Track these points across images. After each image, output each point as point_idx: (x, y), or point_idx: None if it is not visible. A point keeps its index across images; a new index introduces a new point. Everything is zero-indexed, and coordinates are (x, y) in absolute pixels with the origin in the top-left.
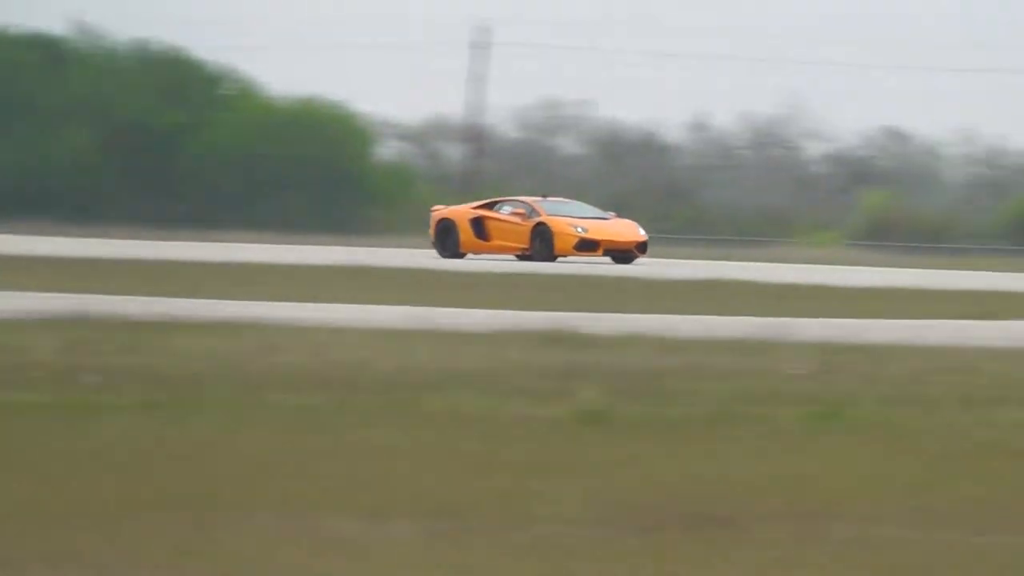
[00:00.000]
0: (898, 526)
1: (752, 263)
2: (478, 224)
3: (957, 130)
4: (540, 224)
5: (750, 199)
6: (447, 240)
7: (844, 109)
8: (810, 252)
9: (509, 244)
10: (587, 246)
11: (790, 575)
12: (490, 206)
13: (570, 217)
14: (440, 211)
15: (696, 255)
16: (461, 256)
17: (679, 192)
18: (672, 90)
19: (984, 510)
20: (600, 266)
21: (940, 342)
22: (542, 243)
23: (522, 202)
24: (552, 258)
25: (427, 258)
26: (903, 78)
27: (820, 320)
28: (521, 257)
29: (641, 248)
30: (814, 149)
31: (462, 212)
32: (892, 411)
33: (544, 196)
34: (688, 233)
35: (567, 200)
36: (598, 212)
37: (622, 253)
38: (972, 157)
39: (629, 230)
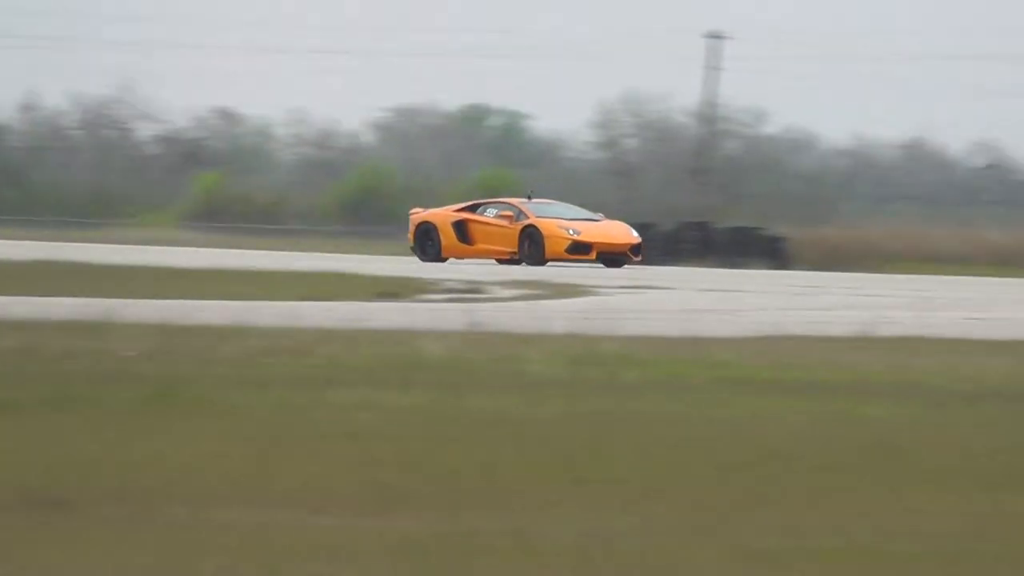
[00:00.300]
0: (231, 507)
1: (85, 244)
2: (461, 227)
3: (289, 111)
4: (529, 227)
5: (83, 181)
6: (427, 244)
7: (178, 90)
8: (144, 233)
9: (495, 248)
10: (580, 249)
11: (120, 554)
12: (472, 208)
13: (560, 219)
14: (419, 214)
15: (26, 237)
16: (443, 260)
17: (8, 173)
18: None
19: (318, 490)
20: None
21: (274, 323)
22: (532, 246)
23: (509, 204)
24: (543, 262)
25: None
26: (238, 60)
27: (154, 301)
28: (508, 261)
29: (635, 251)
30: (147, 130)
31: (443, 215)
32: (227, 392)
33: (529, 197)
34: (17, 215)
35: (552, 201)
36: (587, 213)
37: (615, 256)
38: (303, 138)
39: (622, 232)
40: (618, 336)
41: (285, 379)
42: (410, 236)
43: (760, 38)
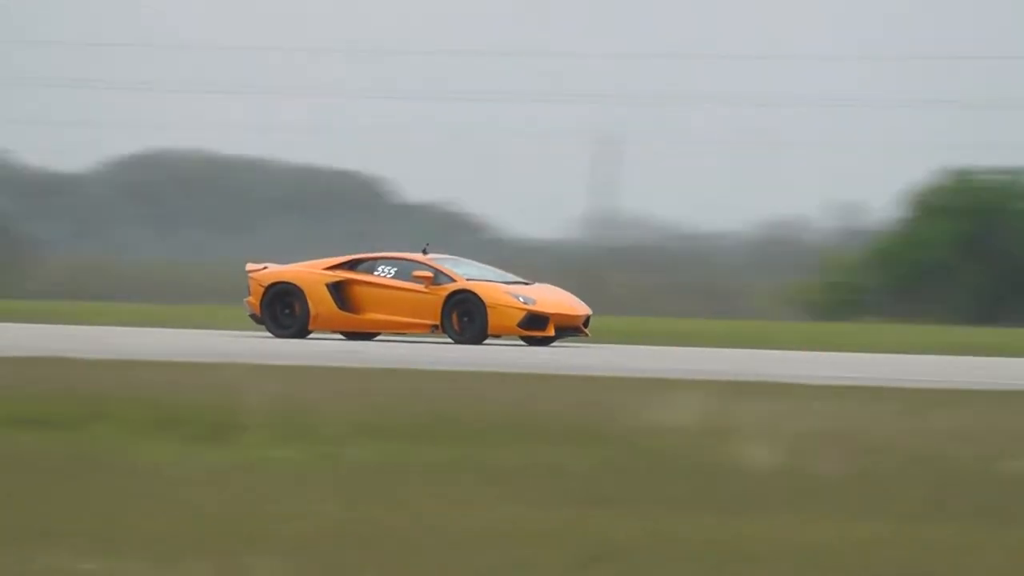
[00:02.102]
0: None
1: None
2: (340, 291)
3: None
4: (460, 293)
5: None
6: (282, 313)
7: None
8: None
9: (402, 319)
10: (535, 323)
11: None
12: (351, 266)
13: (499, 283)
14: (264, 272)
15: None
16: (305, 335)
17: None
18: None
19: None
20: None
21: None
22: (467, 318)
23: (416, 262)
24: (482, 338)
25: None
26: None
27: None
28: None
29: (586, 323)
30: None
31: (308, 274)
32: None
33: (424, 251)
34: None
35: (454, 257)
36: (507, 274)
37: (570, 330)
38: None
39: (570, 300)
40: None
41: None
42: (253, 302)
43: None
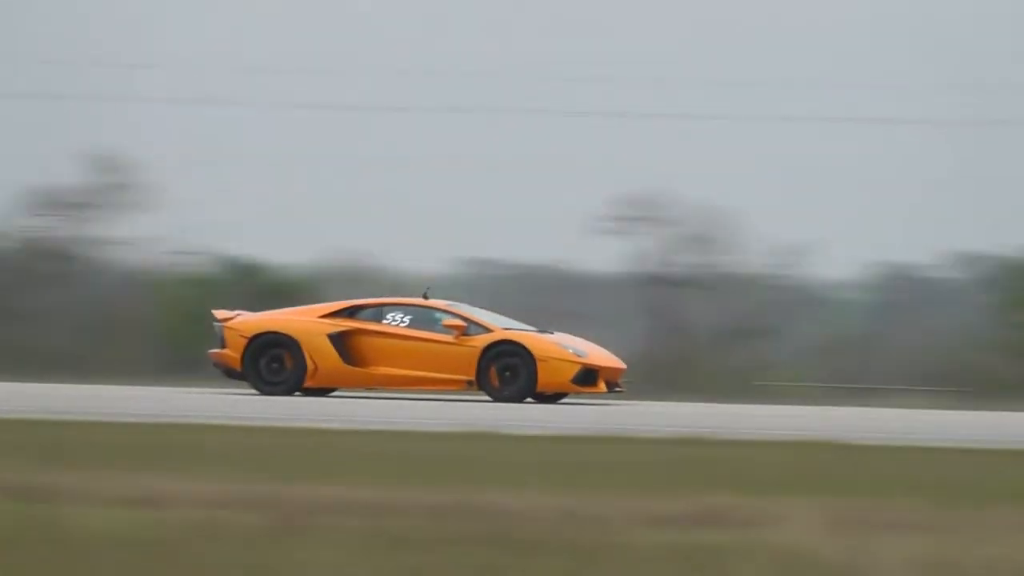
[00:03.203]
0: None
1: None
2: (342, 342)
3: None
4: (501, 344)
5: None
6: (271, 366)
7: None
8: None
9: (427, 374)
10: (588, 378)
11: None
12: (351, 313)
13: (540, 333)
14: (244, 321)
15: None
16: (293, 391)
17: None
18: None
19: None
20: None
21: None
22: (513, 374)
23: (442, 310)
24: (527, 395)
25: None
26: None
27: None
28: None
29: (623, 376)
30: None
31: (304, 323)
32: None
33: (425, 296)
34: None
35: (461, 304)
36: (519, 323)
37: (613, 384)
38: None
39: (605, 353)
40: None
41: None
42: (231, 354)
43: None
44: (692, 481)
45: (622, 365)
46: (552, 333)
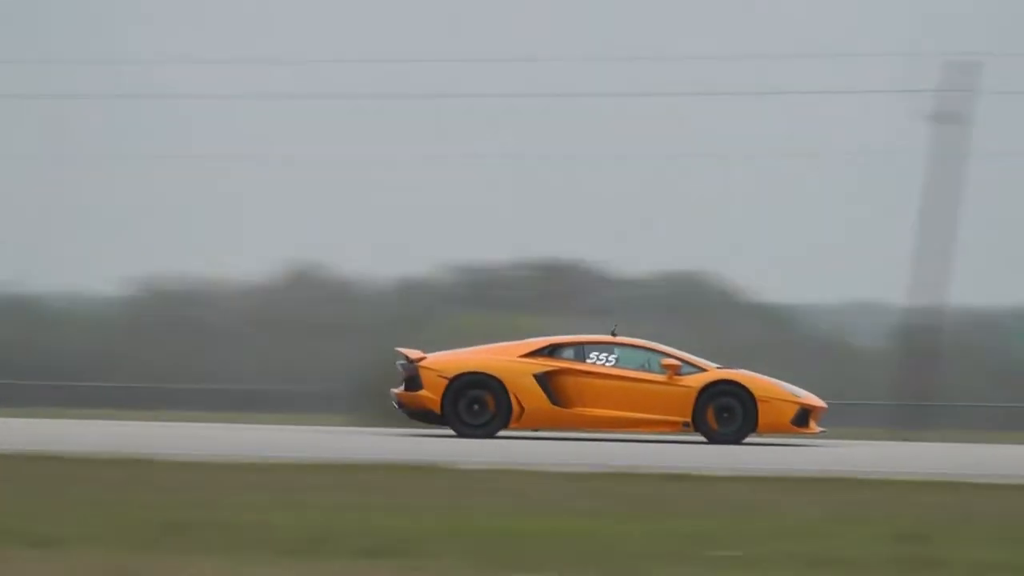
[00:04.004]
0: None
1: None
2: (548, 382)
3: None
4: (719, 384)
5: None
6: (472, 408)
7: None
8: None
9: (642, 416)
10: (804, 419)
11: None
12: (550, 352)
13: (759, 374)
14: (444, 360)
15: None
16: (494, 432)
17: None
18: None
19: None
20: None
21: None
22: (730, 415)
23: (654, 350)
24: (745, 436)
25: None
26: None
27: None
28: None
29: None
30: None
31: (508, 363)
32: None
33: (613, 334)
34: None
35: (645, 341)
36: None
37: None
38: None
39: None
40: None
41: None
42: (431, 396)
43: None
44: None
45: (825, 404)
46: (739, 370)
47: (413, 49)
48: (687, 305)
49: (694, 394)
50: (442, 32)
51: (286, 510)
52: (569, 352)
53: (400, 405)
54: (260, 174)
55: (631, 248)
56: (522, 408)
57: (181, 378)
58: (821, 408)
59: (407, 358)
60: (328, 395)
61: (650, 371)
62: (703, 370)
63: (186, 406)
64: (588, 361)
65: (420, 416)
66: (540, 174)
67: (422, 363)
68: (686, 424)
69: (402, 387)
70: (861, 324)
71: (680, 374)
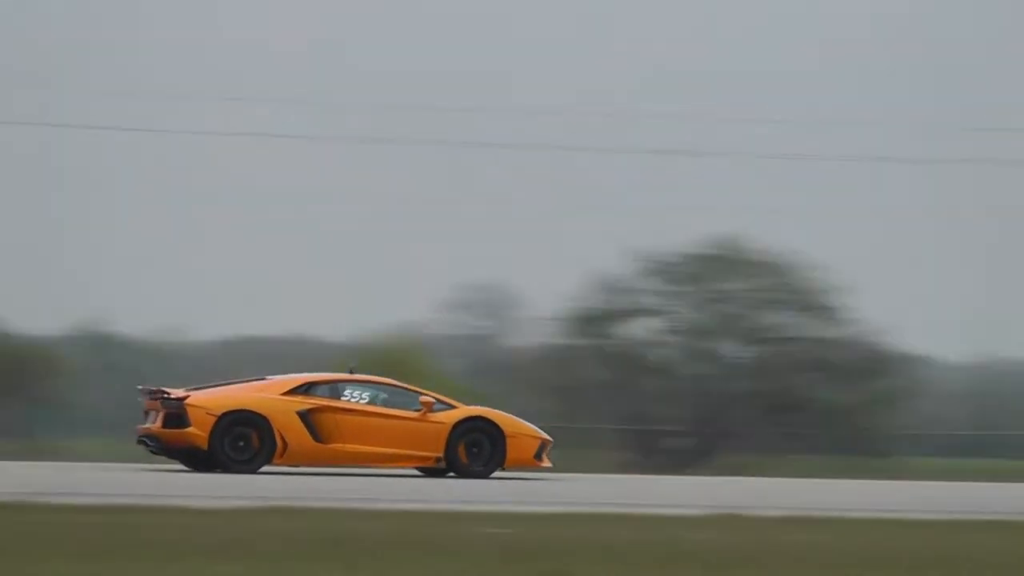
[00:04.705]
0: None
1: None
2: (309, 419)
3: None
4: (470, 421)
5: None
6: (237, 444)
7: None
8: None
9: (397, 451)
10: (541, 453)
11: None
12: (306, 389)
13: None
14: (210, 397)
15: None
16: (255, 469)
17: None
18: None
19: None
20: None
21: None
22: (479, 450)
23: (401, 388)
24: (492, 471)
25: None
26: None
27: None
28: (426, 471)
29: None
30: None
31: (271, 400)
32: None
33: (351, 371)
34: None
35: (376, 378)
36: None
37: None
38: None
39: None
40: None
41: None
42: (198, 433)
43: None
44: None
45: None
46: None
47: None
48: None
49: (447, 431)
50: None
51: None
52: (323, 390)
53: (160, 442)
54: None
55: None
56: (287, 445)
57: None
58: (550, 442)
59: (167, 395)
60: None
61: (402, 408)
62: (454, 407)
63: None
64: (343, 399)
65: (181, 453)
66: None
67: (189, 401)
68: (439, 459)
69: (158, 424)
70: None
71: (435, 411)
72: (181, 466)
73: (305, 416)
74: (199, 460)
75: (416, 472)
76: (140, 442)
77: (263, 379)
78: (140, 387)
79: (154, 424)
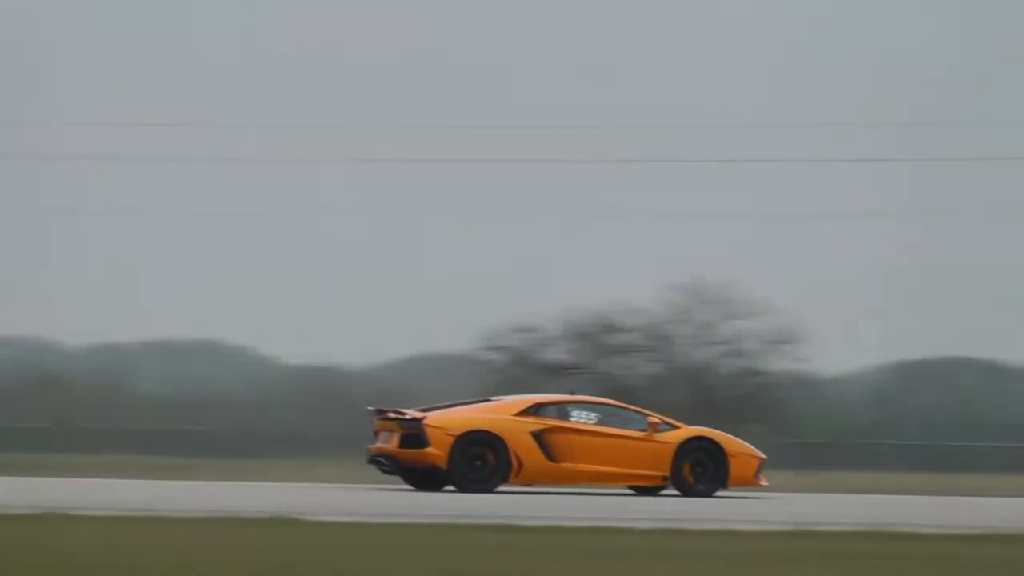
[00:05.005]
0: None
1: None
2: (543, 439)
3: None
4: (695, 441)
5: None
6: (475, 464)
7: None
8: None
9: (626, 471)
10: (759, 472)
11: None
12: (535, 411)
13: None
14: (449, 418)
15: None
16: (492, 488)
17: None
18: None
19: None
20: None
21: None
22: (703, 469)
23: (632, 411)
24: (715, 491)
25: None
26: None
27: None
28: (645, 490)
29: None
30: None
31: (507, 421)
32: None
33: (572, 393)
34: None
35: (604, 399)
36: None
37: None
38: None
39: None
40: None
41: None
42: (437, 453)
43: None
44: None
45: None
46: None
47: None
48: None
49: (672, 450)
50: None
51: None
52: (551, 411)
53: (392, 461)
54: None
55: None
56: (522, 464)
57: None
58: (766, 460)
59: (404, 416)
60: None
61: (629, 428)
62: (677, 428)
63: None
64: (572, 420)
65: (418, 472)
66: None
67: (428, 422)
68: (655, 478)
69: (393, 444)
70: None
71: (660, 431)
72: (406, 484)
73: (538, 436)
74: (433, 479)
75: (628, 491)
76: (373, 461)
77: (488, 400)
78: (369, 408)
79: (388, 444)
